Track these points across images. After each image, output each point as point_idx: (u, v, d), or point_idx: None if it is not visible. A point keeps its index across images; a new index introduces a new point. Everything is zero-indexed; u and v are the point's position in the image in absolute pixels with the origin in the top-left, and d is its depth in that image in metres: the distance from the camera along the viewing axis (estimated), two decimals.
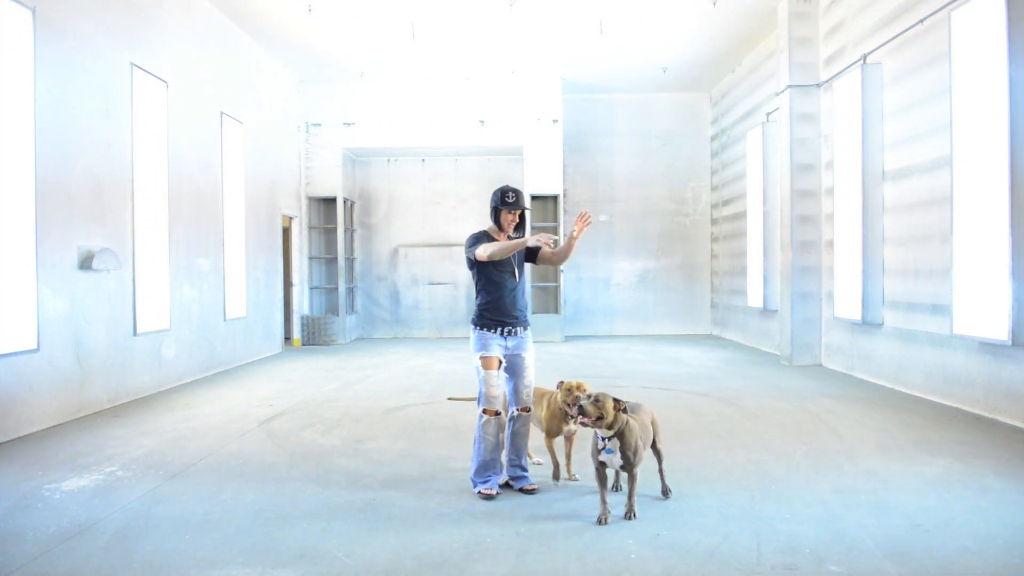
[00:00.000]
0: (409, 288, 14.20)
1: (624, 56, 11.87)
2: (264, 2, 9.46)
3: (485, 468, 4.23)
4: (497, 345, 4.29)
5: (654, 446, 4.06)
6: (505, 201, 4.34)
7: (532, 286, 13.05)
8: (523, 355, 4.35)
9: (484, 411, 4.25)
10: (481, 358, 4.28)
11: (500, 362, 4.29)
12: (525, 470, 4.33)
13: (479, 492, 4.14)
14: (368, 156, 14.01)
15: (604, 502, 3.73)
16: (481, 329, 4.33)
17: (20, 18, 5.71)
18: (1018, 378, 5.80)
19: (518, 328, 4.36)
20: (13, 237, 5.62)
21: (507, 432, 4.35)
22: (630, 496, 3.78)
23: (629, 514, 3.74)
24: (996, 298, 5.79)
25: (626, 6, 9.75)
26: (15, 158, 5.65)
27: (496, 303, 4.31)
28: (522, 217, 4.45)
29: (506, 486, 4.31)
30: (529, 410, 4.36)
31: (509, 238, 4.39)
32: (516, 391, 4.34)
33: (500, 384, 4.29)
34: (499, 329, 4.30)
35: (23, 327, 5.74)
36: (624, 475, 3.95)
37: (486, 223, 4.77)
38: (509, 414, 4.37)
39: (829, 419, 6.10)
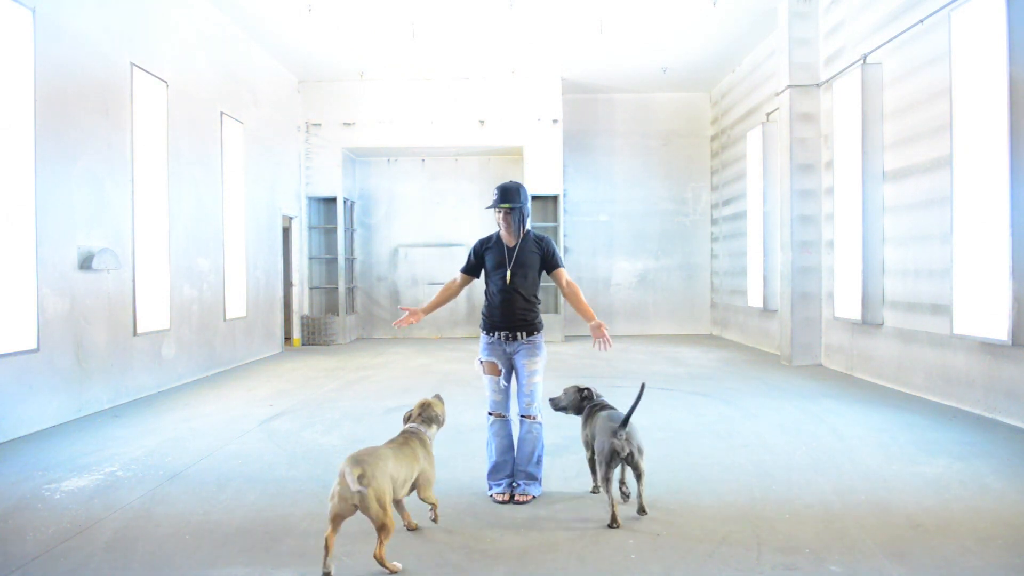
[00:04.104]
0: (409, 288, 14.19)
1: (624, 56, 11.87)
2: (264, 2, 9.46)
3: (496, 470, 4.18)
4: (498, 349, 4.23)
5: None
6: (492, 201, 4.23)
7: None
8: (524, 361, 4.18)
9: (489, 413, 4.24)
10: (479, 362, 4.28)
11: (499, 366, 4.20)
12: (533, 478, 4.13)
13: (491, 496, 4.11)
14: (368, 156, 14.00)
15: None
16: (482, 332, 4.32)
17: (20, 18, 5.71)
18: (1018, 378, 5.80)
19: (520, 333, 4.18)
20: (13, 237, 5.62)
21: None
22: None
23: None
24: (996, 298, 5.79)
25: (626, 6, 9.75)
26: (15, 158, 5.65)
27: (489, 306, 4.27)
28: (516, 214, 4.16)
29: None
30: (532, 418, 4.15)
31: (509, 247, 4.25)
32: (517, 397, 4.24)
33: (499, 388, 4.22)
34: (496, 333, 4.22)
35: (23, 327, 5.74)
36: (632, 483, 4.15)
37: (488, 222, 4.70)
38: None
39: (829, 419, 6.10)
